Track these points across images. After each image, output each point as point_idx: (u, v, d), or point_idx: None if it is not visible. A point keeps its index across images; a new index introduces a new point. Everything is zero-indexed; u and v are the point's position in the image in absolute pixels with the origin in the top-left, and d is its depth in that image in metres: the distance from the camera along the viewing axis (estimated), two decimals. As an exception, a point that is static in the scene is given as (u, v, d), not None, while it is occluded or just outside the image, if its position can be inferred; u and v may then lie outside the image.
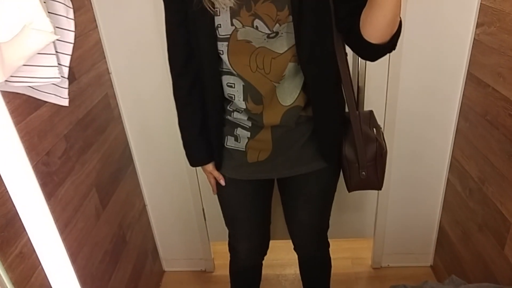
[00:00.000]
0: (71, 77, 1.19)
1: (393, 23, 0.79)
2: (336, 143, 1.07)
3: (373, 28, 0.80)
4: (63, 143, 1.14)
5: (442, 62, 1.43)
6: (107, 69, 1.50)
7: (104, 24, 1.45)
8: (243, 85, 0.97)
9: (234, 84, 0.98)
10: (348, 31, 0.88)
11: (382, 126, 1.54)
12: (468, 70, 1.41)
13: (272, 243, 1.37)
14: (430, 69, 1.45)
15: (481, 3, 1.30)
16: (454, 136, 1.55)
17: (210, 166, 1.14)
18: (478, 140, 1.36)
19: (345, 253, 1.92)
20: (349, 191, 1.11)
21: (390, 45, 0.85)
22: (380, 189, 1.09)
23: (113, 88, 1.53)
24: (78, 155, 1.22)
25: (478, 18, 1.33)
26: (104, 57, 1.48)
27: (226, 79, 0.99)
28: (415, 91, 1.49)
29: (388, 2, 0.74)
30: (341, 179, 1.14)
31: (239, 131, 1.05)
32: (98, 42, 1.45)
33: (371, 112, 1.09)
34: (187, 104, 1.08)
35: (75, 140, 1.21)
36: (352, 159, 1.03)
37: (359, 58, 1.46)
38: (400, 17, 0.82)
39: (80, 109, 1.26)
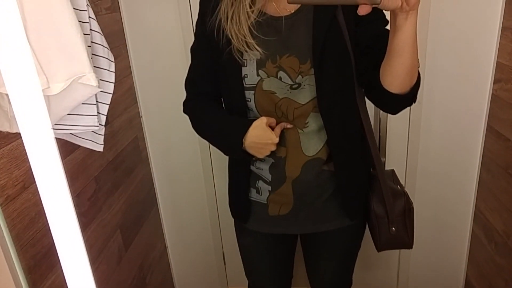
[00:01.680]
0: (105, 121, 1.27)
1: (411, 72, 0.81)
2: (360, 199, 1.05)
3: (393, 77, 0.83)
4: (93, 184, 1.19)
5: (462, 114, 1.45)
6: (138, 112, 1.58)
7: (138, 71, 1.55)
8: None
9: None
10: (368, 84, 0.91)
11: (403, 176, 1.55)
12: (487, 123, 1.43)
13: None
14: (451, 121, 1.47)
15: (497, 61, 1.34)
16: (477, 187, 1.53)
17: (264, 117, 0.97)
18: (502, 193, 1.35)
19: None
20: (379, 250, 1.07)
21: (410, 96, 0.87)
22: (411, 247, 1.05)
23: (142, 131, 1.61)
24: (106, 196, 1.27)
25: (495, 75, 1.36)
26: (136, 101, 1.57)
27: None
28: (436, 143, 1.51)
29: (406, 50, 0.76)
30: (367, 237, 1.12)
31: (260, 183, 1.05)
32: (132, 87, 1.54)
33: (393, 170, 1.10)
34: (210, 106, 1.04)
35: (104, 181, 1.26)
36: (381, 214, 1.02)
37: (381, 112, 1.50)
38: (419, 71, 0.85)
39: (111, 151, 1.32)
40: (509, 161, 1.29)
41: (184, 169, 1.66)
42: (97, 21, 0.89)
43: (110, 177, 1.31)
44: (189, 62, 1.06)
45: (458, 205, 1.59)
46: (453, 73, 1.40)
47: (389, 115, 1.45)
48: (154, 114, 1.60)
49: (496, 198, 1.39)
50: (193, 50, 1.04)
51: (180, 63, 1.50)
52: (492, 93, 1.38)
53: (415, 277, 1.72)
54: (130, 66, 1.53)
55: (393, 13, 0.72)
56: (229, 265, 1.81)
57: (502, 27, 1.31)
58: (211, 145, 1.42)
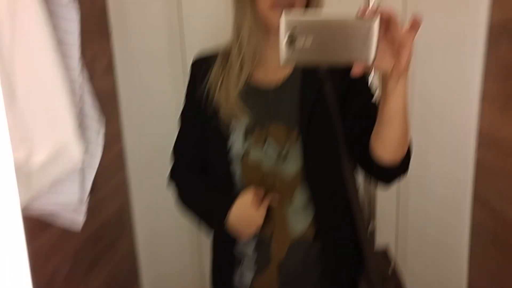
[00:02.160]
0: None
1: (403, 140, 0.80)
2: (349, 282, 1.00)
3: (385, 146, 0.81)
4: (71, 261, 1.10)
5: (448, 182, 1.44)
6: (126, 179, 1.52)
7: (129, 135, 1.50)
8: None
9: None
10: (359, 154, 0.89)
11: (393, 250, 1.49)
12: (474, 192, 1.42)
13: None
14: (437, 190, 1.46)
15: (479, 128, 1.36)
16: (468, 259, 1.48)
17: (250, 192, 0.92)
18: (492, 262, 1.31)
19: None
20: None
21: (403, 166, 0.84)
22: None
23: (128, 199, 1.53)
24: (84, 273, 1.17)
25: (477, 141, 1.38)
26: (124, 168, 1.51)
27: None
28: (424, 213, 1.48)
29: (397, 117, 0.75)
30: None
31: (243, 266, 0.99)
32: (121, 153, 1.49)
33: (386, 249, 1.06)
34: (195, 176, 1.01)
35: (83, 258, 1.17)
36: None
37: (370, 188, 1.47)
38: (410, 140, 0.84)
39: (93, 224, 1.24)
40: (498, 231, 1.26)
41: (171, 240, 1.57)
42: (92, 84, 0.87)
43: (89, 252, 1.21)
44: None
45: (451, 280, 1.52)
46: (436, 141, 1.42)
47: (378, 192, 1.43)
48: (143, 180, 1.54)
49: (488, 271, 1.34)
50: (182, 117, 1.04)
51: (172, 129, 1.45)
52: (477, 160, 1.39)
53: None
54: (120, 131, 1.49)
55: (384, 78, 0.72)
56: None
57: (482, 93, 1.35)
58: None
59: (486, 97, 1.33)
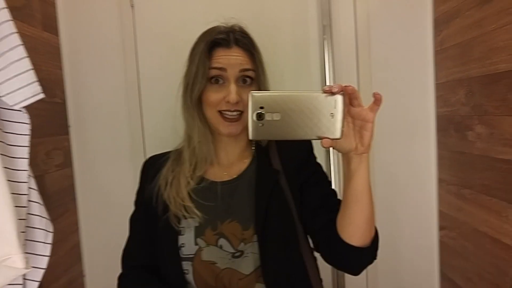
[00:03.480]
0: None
1: (371, 220, 0.79)
2: None
3: (354, 227, 0.78)
4: None
5: (415, 265, 1.46)
6: (81, 272, 1.46)
7: (86, 226, 1.47)
8: None
9: None
10: (326, 242, 0.86)
11: None
12: (441, 270, 1.43)
13: None
14: (406, 275, 1.47)
15: (439, 210, 1.41)
16: None
17: None
18: None
19: None
20: None
21: (372, 249, 0.82)
22: None
23: (83, 294, 1.46)
24: None
25: (439, 222, 1.42)
26: (80, 260, 1.46)
27: None
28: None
29: (364, 195, 0.75)
30: None
31: None
32: (77, 245, 1.45)
33: None
34: (144, 281, 0.94)
35: None
36: None
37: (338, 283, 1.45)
38: (376, 227, 0.83)
39: (42, 325, 1.16)
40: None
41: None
42: (45, 180, 0.86)
43: None
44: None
45: None
46: (401, 227, 1.45)
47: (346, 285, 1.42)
48: (99, 273, 1.47)
49: None
50: (131, 219, 1.01)
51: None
52: (440, 240, 1.42)
53: None
54: (77, 222, 1.47)
55: (347, 158, 0.73)
56: None
57: (438, 179, 1.41)
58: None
59: (442, 182, 1.39)
